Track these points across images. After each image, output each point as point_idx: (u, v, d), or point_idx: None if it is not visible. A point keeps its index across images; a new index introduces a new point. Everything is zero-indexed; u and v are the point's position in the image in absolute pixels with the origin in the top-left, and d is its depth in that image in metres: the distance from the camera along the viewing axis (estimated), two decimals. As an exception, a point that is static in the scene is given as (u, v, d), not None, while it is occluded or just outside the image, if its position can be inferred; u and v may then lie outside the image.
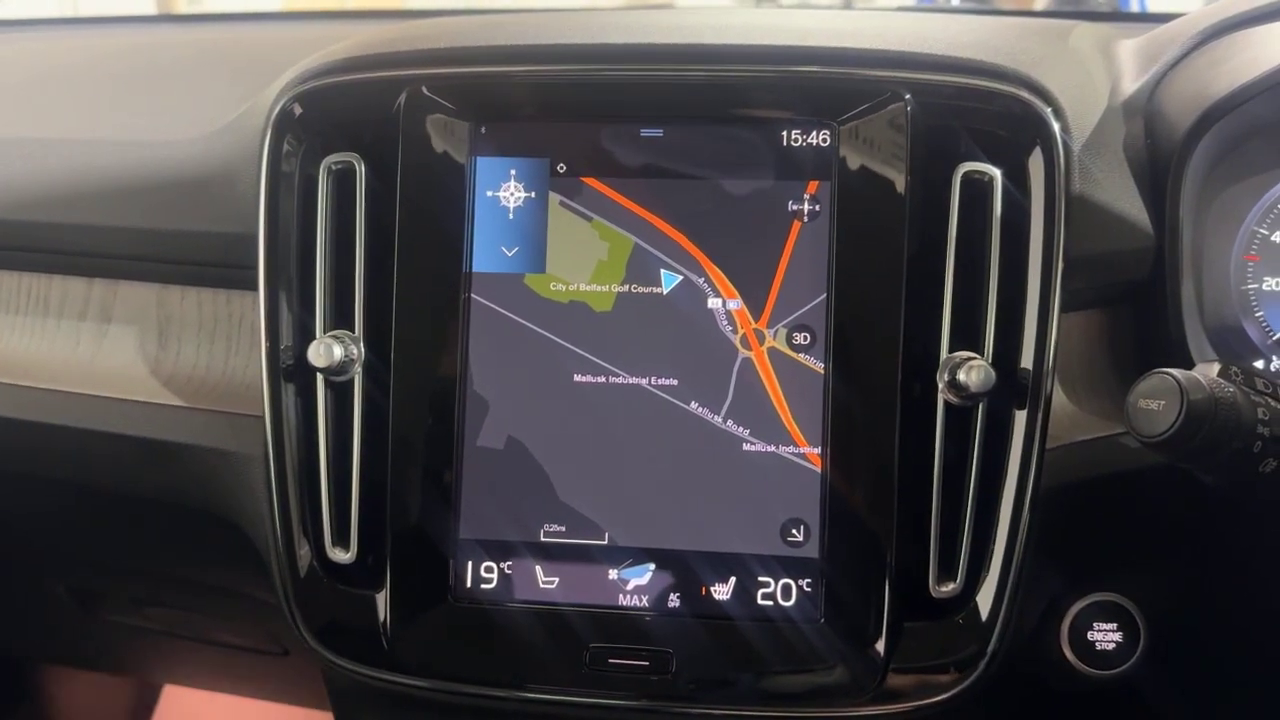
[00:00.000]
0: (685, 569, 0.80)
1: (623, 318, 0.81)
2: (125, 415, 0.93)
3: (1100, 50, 0.91)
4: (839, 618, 0.79)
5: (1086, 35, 0.92)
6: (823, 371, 0.79)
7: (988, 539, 0.78)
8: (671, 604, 0.80)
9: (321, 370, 0.83)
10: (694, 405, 0.80)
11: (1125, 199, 0.81)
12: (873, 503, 0.78)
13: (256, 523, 0.86)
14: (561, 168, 0.82)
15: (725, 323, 0.81)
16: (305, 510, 0.83)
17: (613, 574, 0.81)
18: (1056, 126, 0.79)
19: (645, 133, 0.82)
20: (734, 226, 0.80)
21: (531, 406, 0.81)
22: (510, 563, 0.81)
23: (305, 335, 0.84)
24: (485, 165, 0.83)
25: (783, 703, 0.79)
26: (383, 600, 0.82)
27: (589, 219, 0.82)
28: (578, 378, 0.81)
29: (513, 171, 0.82)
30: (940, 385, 0.79)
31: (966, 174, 0.80)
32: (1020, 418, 0.78)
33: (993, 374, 0.77)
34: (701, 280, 0.81)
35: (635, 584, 0.81)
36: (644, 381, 0.81)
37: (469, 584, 0.82)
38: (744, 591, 0.79)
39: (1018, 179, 0.80)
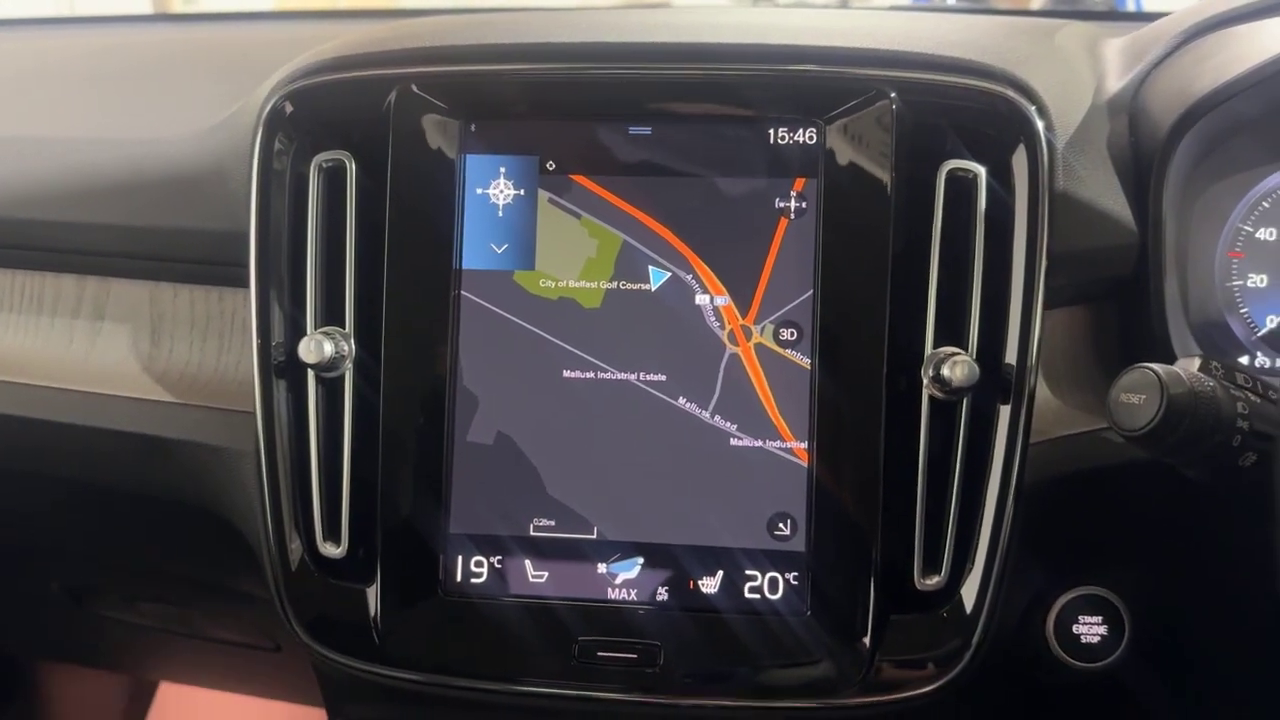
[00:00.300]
0: (673, 563, 0.81)
1: (611, 314, 0.82)
2: (118, 411, 0.94)
3: (1086, 48, 0.91)
4: (825, 611, 0.79)
5: (1073, 34, 0.92)
6: (809, 367, 0.80)
7: (972, 533, 0.79)
8: (660, 597, 0.81)
9: (312, 366, 0.83)
10: (682, 401, 0.81)
11: (1109, 196, 0.82)
12: (858, 497, 0.79)
13: (248, 518, 0.86)
14: (551, 165, 0.83)
15: (713, 319, 0.81)
16: (296, 505, 0.84)
17: (602, 568, 0.81)
18: (1041, 124, 0.79)
19: (634, 130, 0.82)
20: (721, 223, 0.81)
21: (521, 402, 0.82)
22: (500, 557, 0.82)
23: (296, 332, 0.85)
24: (475, 163, 0.83)
25: (770, 695, 0.80)
26: (373, 594, 0.82)
27: (578, 216, 0.82)
28: (567, 374, 0.82)
29: (502, 169, 0.83)
30: (925, 380, 0.79)
31: (952, 171, 0.80)
32: (1004, 412, 0.79)
33: (976, 369, 0.78)
34: (689, 277, 0.81)
35: (624, 578, 0.81)
36: (632, 377, 0.81)
37: (459, 578, 0.82)
38: (731, 585, 0.80)
39: (1002, 176, 0.80)
